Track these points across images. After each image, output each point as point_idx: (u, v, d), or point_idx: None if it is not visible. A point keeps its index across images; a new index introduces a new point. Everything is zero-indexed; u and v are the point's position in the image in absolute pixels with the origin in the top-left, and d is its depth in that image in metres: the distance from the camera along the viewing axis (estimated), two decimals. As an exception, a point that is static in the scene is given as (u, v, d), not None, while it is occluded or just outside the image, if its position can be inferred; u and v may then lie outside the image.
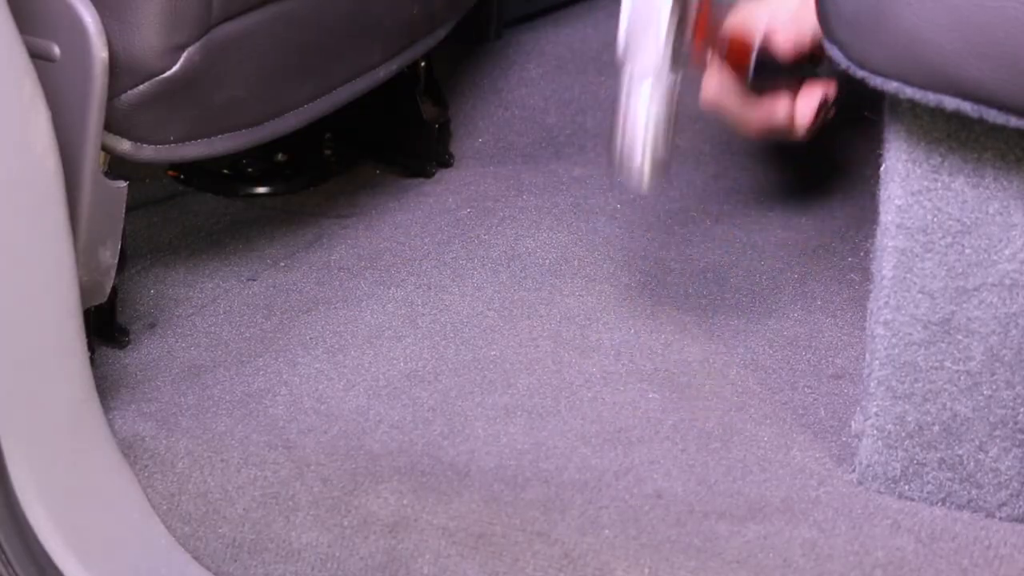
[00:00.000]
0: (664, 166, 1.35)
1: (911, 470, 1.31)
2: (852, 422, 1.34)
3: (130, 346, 1.53)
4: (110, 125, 1.38)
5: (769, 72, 1.47)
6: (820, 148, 1.89)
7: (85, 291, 1.36)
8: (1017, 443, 1.27)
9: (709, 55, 1.44)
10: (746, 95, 1.48)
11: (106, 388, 1.44)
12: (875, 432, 1.31)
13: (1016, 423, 1.27)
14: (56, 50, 1.31)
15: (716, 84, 1.47)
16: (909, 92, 1.17)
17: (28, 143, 1.25)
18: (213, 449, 1.39)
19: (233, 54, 1.45)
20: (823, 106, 1.51)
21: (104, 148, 1.38)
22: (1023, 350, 1.25)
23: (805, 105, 1.50)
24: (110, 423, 1.38)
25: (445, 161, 1.87)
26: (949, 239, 1.24)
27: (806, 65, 1.48)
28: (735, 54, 1.46)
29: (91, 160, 1.35)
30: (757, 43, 1.45)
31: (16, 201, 1.25)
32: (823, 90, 1.50)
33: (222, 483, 1.36)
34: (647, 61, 1.34)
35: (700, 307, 1.59)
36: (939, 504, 1.31)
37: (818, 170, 1.84)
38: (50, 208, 1.27)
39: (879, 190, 1.26)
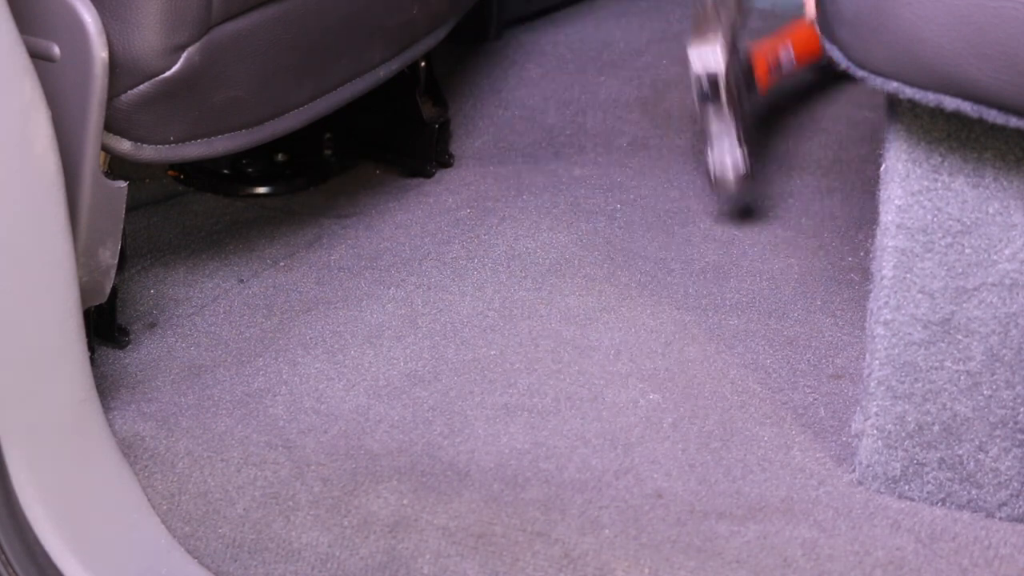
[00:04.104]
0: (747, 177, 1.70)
1: (911, 470, 1.31)
2: (852, 422, 1.34)
3: (130, 346, 1.53)
4: (110, 125, 1.38)
5: None
6: (820, 148, 1.89)
7: (85, 291, 1.36)
8: (1017, 443, 1.27)
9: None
10: None
11: (106, 388, 1.44)
12: (875, 432, 1.31)
13: (1016, 423, 1.27)
14: (56, 50, 1.31)
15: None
16: (909, 92, 1.17)
17: (28, 143, 1.25)
18: (213, 449, 1.39)
19: (233, 54, 1.45)
20: None
21: (104, 148, 1.38)
22: (1023, 350, 1.25)
23: None
24: (110, 423, 1.38)
25: (445, 161, 1.87)
26: (949, 239, 1.24)
27: None
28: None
29: (91, 160, 1.35)
30: None
31: (16, 201, 1.25)
32: None
33: (222, 483, 1.36)
34: (721, 130, 1.69)
35: (700, 307, 1.59)
36: (939, 504, 1.31)
37: (818, 171, 1.84)
38: (50, 208, 1.27)
39: (879, 190, 1.27)
